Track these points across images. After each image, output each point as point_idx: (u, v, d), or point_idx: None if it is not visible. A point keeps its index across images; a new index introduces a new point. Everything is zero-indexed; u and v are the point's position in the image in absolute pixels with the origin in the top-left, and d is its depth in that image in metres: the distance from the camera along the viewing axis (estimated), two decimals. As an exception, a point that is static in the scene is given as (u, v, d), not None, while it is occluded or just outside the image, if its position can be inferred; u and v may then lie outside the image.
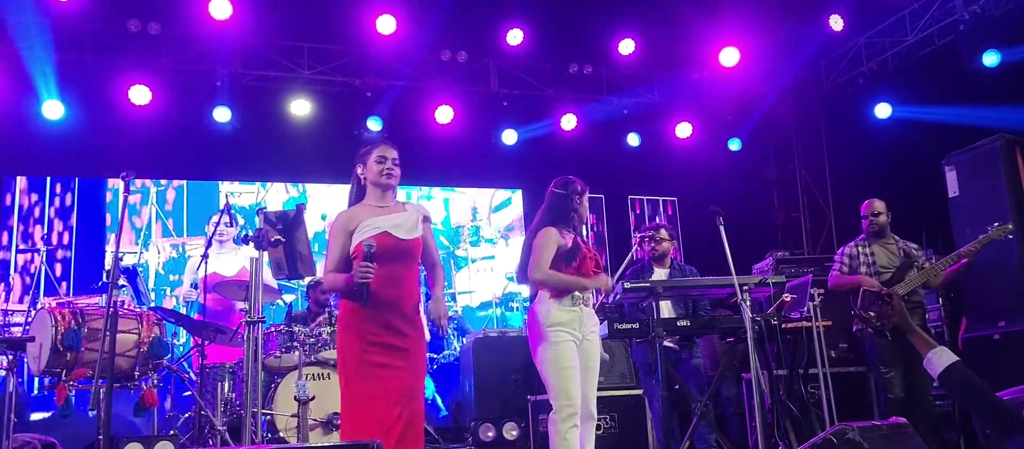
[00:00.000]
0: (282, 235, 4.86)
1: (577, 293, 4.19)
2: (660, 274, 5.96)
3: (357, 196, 3.94)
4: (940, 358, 3.13)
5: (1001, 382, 3.72)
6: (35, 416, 7.48)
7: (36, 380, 7.22)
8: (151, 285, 8.48)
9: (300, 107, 8.65)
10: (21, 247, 8.16)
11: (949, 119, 7.63)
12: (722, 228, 5.02)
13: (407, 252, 3.80)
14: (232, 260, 8.30)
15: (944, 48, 8.05)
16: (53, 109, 7.83)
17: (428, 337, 4.09)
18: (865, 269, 5.91)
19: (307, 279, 7.29)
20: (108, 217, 8.46)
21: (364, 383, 3.65)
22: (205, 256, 6.40)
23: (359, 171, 3.92)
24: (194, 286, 8.50)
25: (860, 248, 5.97)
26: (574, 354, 4.14)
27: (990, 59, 7.59)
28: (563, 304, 4.17)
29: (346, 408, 3.74)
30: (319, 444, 6.09)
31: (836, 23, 8.44)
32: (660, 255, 6.02)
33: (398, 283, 3.75)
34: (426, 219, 3.95)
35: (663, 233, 6.07)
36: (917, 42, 8.29)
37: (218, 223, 7.12)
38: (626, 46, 8.92)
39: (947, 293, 5.86)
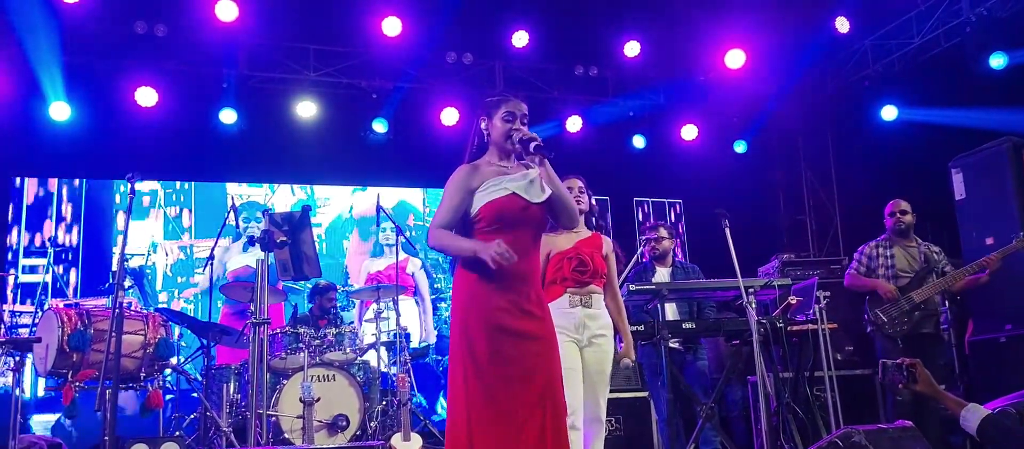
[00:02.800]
0: (288, 237, 4.89)
1: (573, 296, 4.06)
2: (662, 273, 5.95)
3: (477, 152, 3.44)
4: (974, 414, 3.15)
5: (1006, 385, 3.72)
6: (39, 417, 7.52)
7: (41, 381, 7.26)
8: (159, 287, 8.51)
9: (306, 109, 8.66)
10: (28, 249, 8.19)
11: (955, 121, 7.61)
12: (727, 230, 5.02)
13: (536, 218, 3.34)
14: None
15: (950, 50, 8.03)
16: (60, 111, 7.85)
17: None
18: (883, 272, 5.89)
19: (313, 282, 7.33)
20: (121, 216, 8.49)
21: (493, 380, 3.12)
22: (210, 258, 6.42)
23: (483, 125, 3.44)
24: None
25: (880, 249, 5.96)
26: (572, 357, 3.95)
27: (997, 61, 7.57)
28: (559, 305, 4.02)
29: (461, 411, 3.15)
30: (324, 446, 6.11)
31: (842, 25, 8.42)
32: (661, 254, 6.01)
33: (527, 253, 3.26)
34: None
35: (663, 232, 6.06)
36: (923, 44, 8.27)
37: (233, 224, 7.12)
38: (631, 48, 8.91)
39: (953, 296, 5.85)
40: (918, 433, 3.49)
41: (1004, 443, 3.12)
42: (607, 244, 4.30)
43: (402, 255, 8.72)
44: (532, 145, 3.25)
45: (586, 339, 4.04)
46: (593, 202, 4.42)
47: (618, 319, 4.25)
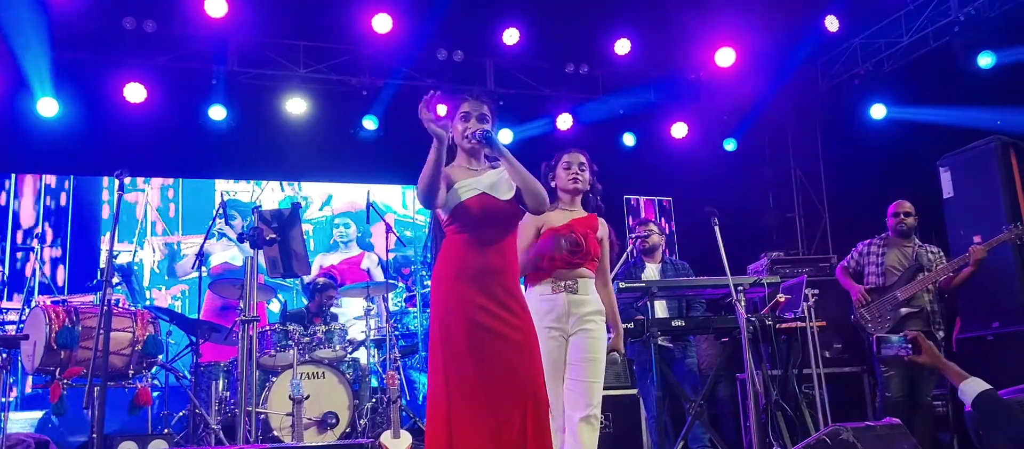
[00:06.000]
0: (277, 234, 4.87)
1: (557, 280, 3.80)
2: (651, 269, 5.96)
3: (448, 156, 3.45)
4: (973, 386, 3.17)
5: (995, 384, 3.72)
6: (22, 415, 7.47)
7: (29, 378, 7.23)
8: (146, 284, 8.47)
9: (296, 105, 8.63)
10: (15, 245, 8.14)
11: (944, 120, 7.63)
12: (717, 228, 5.03)
13: (508, 215, 3.36)
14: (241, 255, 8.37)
15: (939, 49, 8.05)
16: (48, 106, 7.80)
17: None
18: (873, 268, 5.91)
19: (307, 278, 7.32)
20: (106, 212, 8.45)
21: (473, 377, 3.12)
22: (200, 255, 6.40)
23: (448, 129, 3.47)
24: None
25: (874, 247, 5.98)
26: (555, 354, 3.71)
27: (985, 60, 7.61)
28: (541, 292, 3.81)
29: (441, 408, 3.14)
30: (314, 443, 6.09)
31: (831, 24, 8.44)
32: (650, 249, 6.01)
33: (502, 250, 3.31)
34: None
35: (652, 227, 6.07)
36: (912, 43, 8.29)
37: (215, 219, 7.12)
38: (622, 46, 8.91)
39: (940, 294, 5.87)
40: (906, 431, 3.50)
41: (992, 420, 3.14)
42: (603, 227, 4.10)
43: (357, 250, 8.72)
44: (478, 135, 3.33)
45: (573, 326, 3.79)
46: (597, 182, 4.27)
47: (609, 310, 4.02)
